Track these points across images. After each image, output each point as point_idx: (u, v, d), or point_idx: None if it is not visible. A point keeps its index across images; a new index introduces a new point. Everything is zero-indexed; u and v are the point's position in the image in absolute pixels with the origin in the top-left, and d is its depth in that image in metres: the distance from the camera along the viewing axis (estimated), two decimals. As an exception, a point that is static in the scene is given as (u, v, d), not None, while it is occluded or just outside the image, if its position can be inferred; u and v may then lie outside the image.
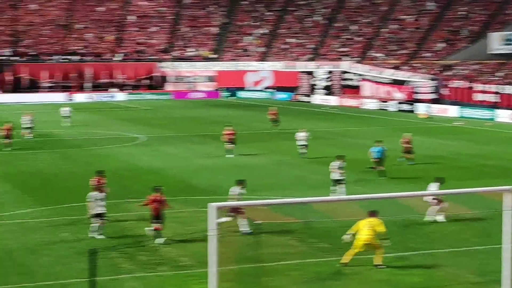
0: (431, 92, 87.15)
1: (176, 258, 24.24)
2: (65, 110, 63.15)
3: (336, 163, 33.99)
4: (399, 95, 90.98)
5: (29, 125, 57.23)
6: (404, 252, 24.72)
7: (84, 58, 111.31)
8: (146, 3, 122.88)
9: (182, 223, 29.03)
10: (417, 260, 23.94)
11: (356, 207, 23.92)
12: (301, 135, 42.65)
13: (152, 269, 23.02)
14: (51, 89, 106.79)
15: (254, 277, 20.61)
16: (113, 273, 22.54)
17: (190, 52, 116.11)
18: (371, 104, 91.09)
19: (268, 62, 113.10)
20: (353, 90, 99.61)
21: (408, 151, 44.22)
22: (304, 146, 43.63)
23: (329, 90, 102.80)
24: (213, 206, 17.72)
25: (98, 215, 26.79)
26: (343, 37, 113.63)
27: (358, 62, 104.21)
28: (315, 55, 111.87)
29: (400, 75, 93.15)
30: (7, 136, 50.94)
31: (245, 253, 22.57)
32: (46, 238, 26.87)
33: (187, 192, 35.39)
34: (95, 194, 27.14)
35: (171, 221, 29.19)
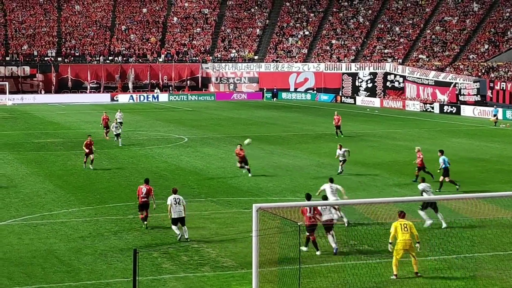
0: (475, 94, 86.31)
1: (217, 258, 24.34)
2: (119, 115, 59.38)
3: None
4: (443, 97, 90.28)
5: (119, 120, 58.22)
6: (446, 255, 24.56)
7: (128, 59, 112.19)
8: (189, 4, 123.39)
9: (223, 224, 29.15)
10: (459, 264, 23.76)
11: (397, 209, 23.78)
12: (340, 152, 41.02)
13: (193, 270, 23.14)
14: (95, 90, 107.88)
15: (294, 279, 20.62)
16: (155, 273, 22.72)
17: (233, 53, 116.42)
18: (414, 106, 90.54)
19: (311, 63, 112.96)
20: (397, 91, 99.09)
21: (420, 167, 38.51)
22: (343, 162, 41.72)
23: (372, 92, 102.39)
24: (256, 207, 17.78)
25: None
26: (386, 38, 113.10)
27: (402, 63, 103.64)
28: (358, 57, 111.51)
29: (444, 77, 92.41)
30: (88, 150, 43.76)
31: (286, 254, 22.59)
32: (89, 237, 27.15)
33: (228, 193, 35.50)
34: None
35: (212, 222, 29.37)
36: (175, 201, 26.84)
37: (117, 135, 54.83)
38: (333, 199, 27.95)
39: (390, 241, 22.63)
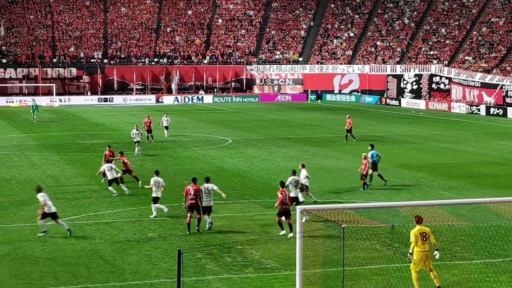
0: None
1: (261, 260, 24.37)
2: (165, 119, 60.12)
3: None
4: (489, 99, 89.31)
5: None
6: (492, 259, 24.31)
7: (173, 60, 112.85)
8: (234, 6, 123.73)
9: (266, 225, 29.16)
10: (506, 268, 23.50)
11: (441, 211, 23.60)
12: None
13: (237, 271, 23.19)
14: (140, 91, 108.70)
15: (338, 281, 20.56)
16: (199, 274, 22.82)
17: (278, 55, 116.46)
18: (460, 108, 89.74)
19: (355, 65, 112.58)
20: (442, 93, 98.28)
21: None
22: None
23: (417, 94, 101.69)
24: (299, 209, 17.77)
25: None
26: (432, 40, 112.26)
27: (447, 65, 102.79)
28: (404, 58, 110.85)
29: (491, 78, 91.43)
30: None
31: (330, 256, 22.55)
32: (134, 237, 27.36)
33: (271, 194, 35.48)
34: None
35: (256, 224, 29.41)
36: (206, 191, 27.99)
37: (137, 143, 50.65)
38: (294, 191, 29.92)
39: (410, 251, 20.81)
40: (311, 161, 46.84)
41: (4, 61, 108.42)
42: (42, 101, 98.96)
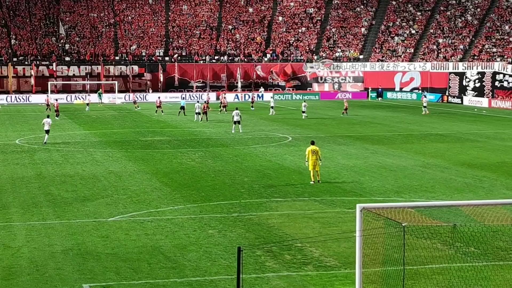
0: None
1: (320, 258, 24.33)
2: (304, 105, 76.70)
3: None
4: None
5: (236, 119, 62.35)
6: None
7: (234, 58, 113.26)
8: (295, 3, 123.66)
9: (326, 223, 29.11)
10: None
11: (504, 211, 23.28)
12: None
13: (296, 269, 23.20)
14: (201, 89, 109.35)
15: (398, 280, 20.44)
16: (259, 271, 22.87)
17: (338, 52, 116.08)
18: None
19: (417, 62, 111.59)
20: (506, 91, 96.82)
21: None
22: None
23: (480, 92, 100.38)
24: (359, 207, 17.69)
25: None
26: (495, 37, 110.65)
27: (511, 63, 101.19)
28: (466, 56, 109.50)
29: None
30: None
31: (390, 255, 22.42)
32: (194, 234, 27.53)
33: (331, 192, 35.44)
34: None
35: (315, 221, 29.37)
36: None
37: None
38: None
39: (306, 160, 37.33)
40: (371, 159, 46.62)
41: (67, 59, 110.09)
42: (105, 98, 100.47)
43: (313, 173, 37.41)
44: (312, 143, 37.74)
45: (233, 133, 60.56)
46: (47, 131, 54.55)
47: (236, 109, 63.75)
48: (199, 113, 73.27)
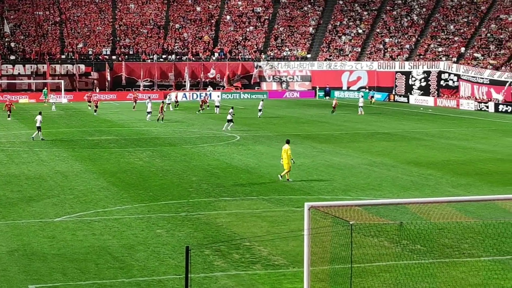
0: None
1: (269, 257, 24.37)
2: (261, 104, 76.73)
3: None
4: (498, 96, 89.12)
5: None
6: (501, 256, 24.26)
7: (181, 57, 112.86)
8: (242, 3, 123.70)
9: (274, 222, 29.18)
10: (513, 265, 23.47)
11: (450, 209, 23.57)
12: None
13: (245, 268, 23.21)
14: (148, 88, 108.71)
15: (346, 278, 20.56)
16: (207, 270, 22.84)
17: (286, 51, 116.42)
18: (468, 105, 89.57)
19: (364, 62, 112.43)
20: (451, 90, 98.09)
21: None
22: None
23: (425, 91, 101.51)
24: (308, 205, 17.74)
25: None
26: (440, 36, 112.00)
27: (456, 62, 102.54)
28: (412, 55, 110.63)
29: (499, 75, 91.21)
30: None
31: (338, 253, 22.54)
32: (142, 234, 27.40)
33: (279, 191, 35.53)
34: None
35: (264, 220, 29.42)
36: None
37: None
38: None
39: (281, 158, 37.93)
40: (319, 158, 46.85)
41: (12, 57, 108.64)
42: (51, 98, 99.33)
43: (285, 172, 37.99)
44: (287, 142, 38.66)
45: (223, 130, 62.03)
46: (39, 128, 56.03)
47: (232, 108, 65.74)
48: (150, 112, 72.45)
